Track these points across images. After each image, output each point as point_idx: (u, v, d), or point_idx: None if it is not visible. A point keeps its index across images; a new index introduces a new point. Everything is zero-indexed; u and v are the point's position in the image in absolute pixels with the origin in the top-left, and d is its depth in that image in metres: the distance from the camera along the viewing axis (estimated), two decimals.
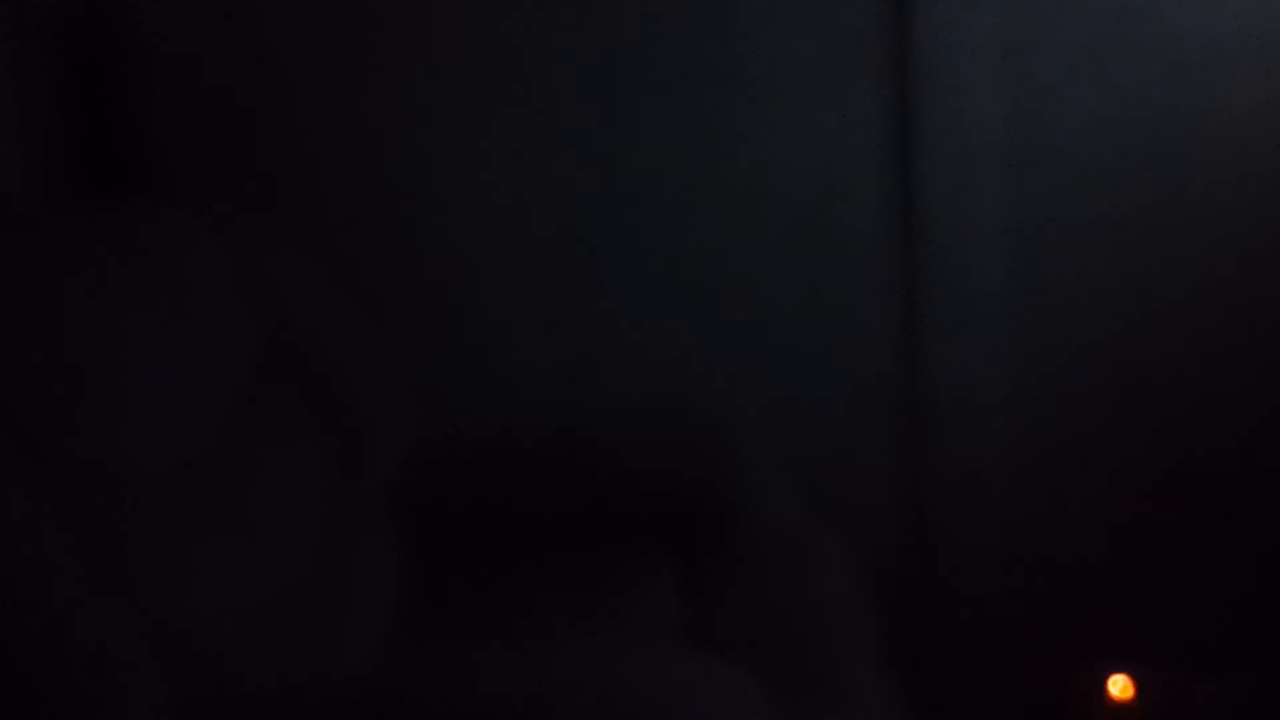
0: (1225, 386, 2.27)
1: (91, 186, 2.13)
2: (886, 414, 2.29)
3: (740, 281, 2.24)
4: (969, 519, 2.33)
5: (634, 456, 1.98)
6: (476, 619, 1.79)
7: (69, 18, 2.08)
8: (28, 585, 1.29)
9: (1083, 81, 2.15)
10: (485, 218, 2.20)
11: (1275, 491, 2.30)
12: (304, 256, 2.02)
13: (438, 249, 2.21)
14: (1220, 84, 2.15)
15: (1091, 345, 2.26)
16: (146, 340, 1.61)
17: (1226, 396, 2.27)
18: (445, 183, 2.18)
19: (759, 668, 1.50)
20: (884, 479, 2.32)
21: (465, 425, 2.14)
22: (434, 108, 2.15)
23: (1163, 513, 2.34)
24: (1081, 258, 2.23)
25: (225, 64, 2.11)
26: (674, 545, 1.92)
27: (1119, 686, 2.23)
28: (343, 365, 1.97)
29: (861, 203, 2.20)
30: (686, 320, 2.25)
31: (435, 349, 2.22)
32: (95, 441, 1.47)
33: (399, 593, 1.83)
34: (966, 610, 2.36)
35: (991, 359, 2.26)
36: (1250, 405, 2.28)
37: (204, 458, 1.62)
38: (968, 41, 2.13)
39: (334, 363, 1.96)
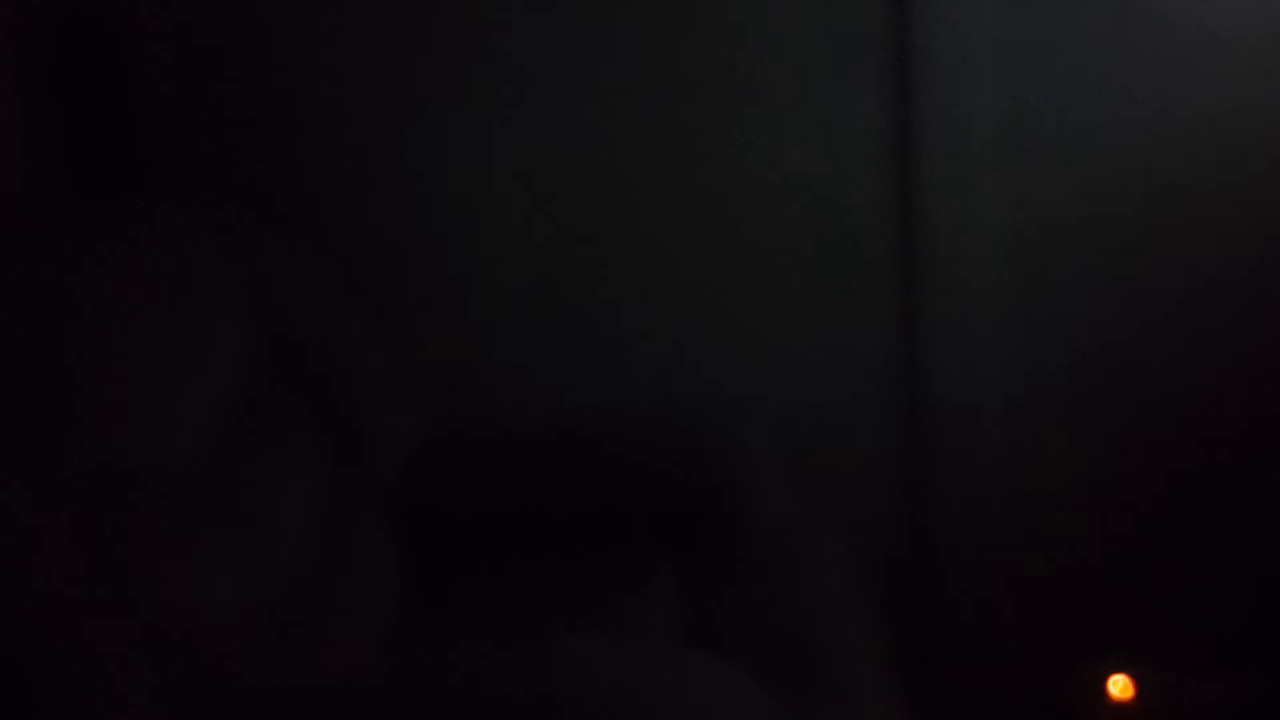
0: (1225, 386, 2.27)
1: (91, 186, 2.13)
2: (886, 413, 2.29)
3: (740, 281, 2.24)
4: (969, 519, 2.33)
5: (634, 456, 1.98)
6: (476, 619, 1.79)
7: (68, 17, 2.08)
8: (27, 584, 1.29)
9: (1083, 81, 2.15)
10: (485, 218, 2.20)
11: (1275, 491, 2.30)
12: (304, 256, 2.02)
13: (438, 248, 2.21)
14: (1220, 84, 2.15)
15: (1091, 345, 2.26)
16: (146, 340, 1.61)
17: (1226, 396, 2.27)
18: (445, 182, 2.18)
19: (759, 667, 1.50)
20: (884, 478, 2.32)
21: (465, 425, 2.14)
22: (434, 107, 2.14)
23: (1163, 513, 2.34)
24: (1081, 258, 2.23)
25: (225, 64, 2.11)
26: (674, 545, 1.92)
27: (1119, 686, 2.23)
28: (343, 365, 1.97)
29: (861, 203, 2.20)
30: (686, 320, 2.25)
31: (435, 349, 2.22)
32: (95, 441, 1.46)
33: (399, 592, 1.83)
34: (966, 610, 2.36)
35: (991, 359, 2.26)
36: (1250, 405, 2.28)
37: (204, 457, 1.62)
38: (968, 41, 2.13)
39: (334, 363, 1.96)
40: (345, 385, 1.95)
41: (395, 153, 2.16)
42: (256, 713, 1.41)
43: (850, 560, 1.92)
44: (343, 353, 1.98)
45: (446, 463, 2.01)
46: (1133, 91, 2.15)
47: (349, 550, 1.80)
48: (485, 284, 2.23)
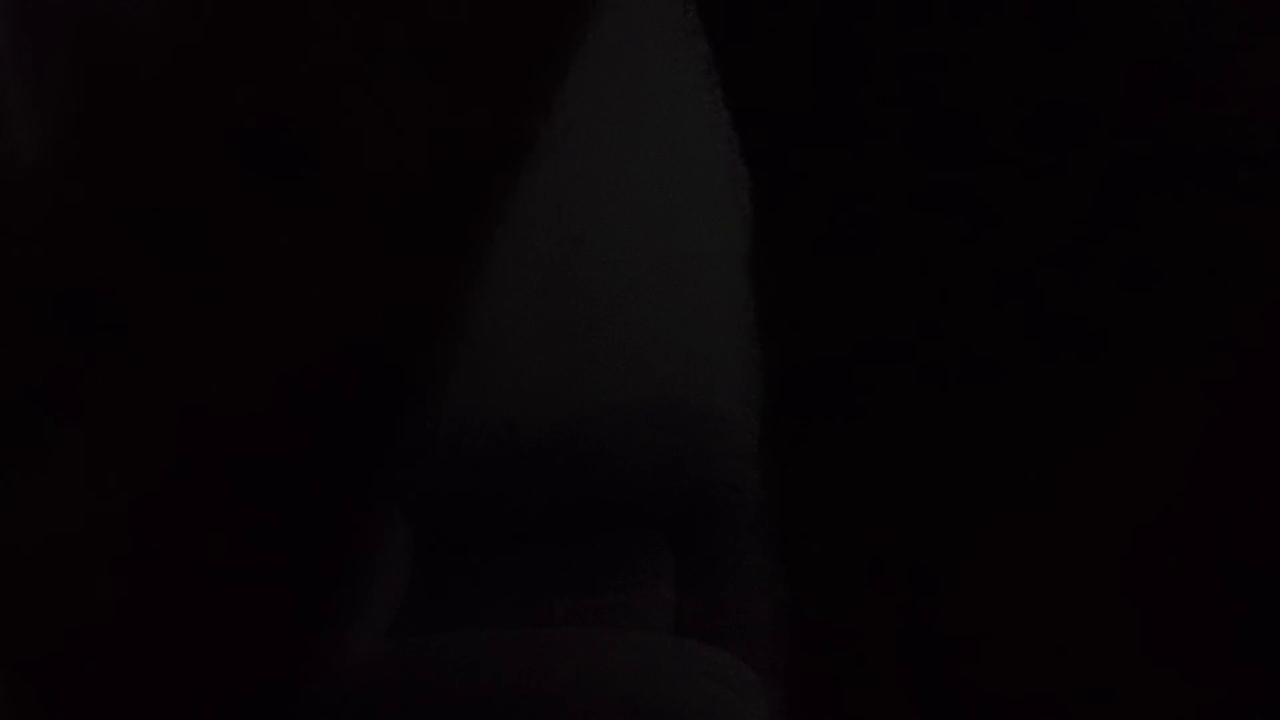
0: (1225, 384, 2.27)
1: None
2: None
3: (740, 280, 2.24)
4: None
5: (634, 450, 1.98)
6: (476, 611, 1.80)
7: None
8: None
9: None
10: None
11: (1276, 492, 2.30)
12: None
13: None
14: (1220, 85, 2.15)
15: None
16: None
17: (1227, 394, 2.27)
18: None
19: (757, 659, 1.50)
20: None
21: (466, 420, 2.14)
22: None
23: (1162, 512, 2.33)
24: None
25: None
26: (673, 542, 1.92)
27: None
28: None
29: None
30: (687, 319, 2.25)
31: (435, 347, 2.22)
32: None
33: (399, 585, 1.84)
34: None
35: None
36: (1250, 404, 2.28)
37: None
38: None
39: None
40: None
41: None
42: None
43: None
44: None
45: (447, 460, 2.01)
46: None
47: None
48: (486, 280, 2.23)
